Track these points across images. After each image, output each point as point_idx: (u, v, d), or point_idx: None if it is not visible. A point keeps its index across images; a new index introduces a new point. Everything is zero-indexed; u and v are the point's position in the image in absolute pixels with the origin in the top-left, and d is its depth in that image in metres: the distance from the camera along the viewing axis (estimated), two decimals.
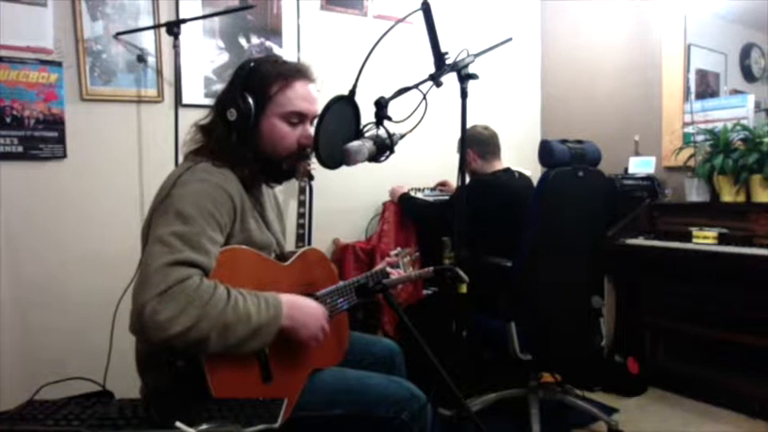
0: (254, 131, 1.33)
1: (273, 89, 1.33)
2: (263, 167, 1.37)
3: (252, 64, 1.37)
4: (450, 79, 1.50)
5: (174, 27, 2.28)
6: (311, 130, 1.38)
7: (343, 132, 1.41)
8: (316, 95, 1.39)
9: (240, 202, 1.29)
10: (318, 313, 1.29)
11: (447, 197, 2.84)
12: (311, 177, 2.61)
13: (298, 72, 1.37)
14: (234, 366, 1.18)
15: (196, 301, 1.08)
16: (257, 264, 1.29)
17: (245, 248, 1.26)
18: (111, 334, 1.76)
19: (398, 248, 1.78)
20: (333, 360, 1.46)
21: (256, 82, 1.33)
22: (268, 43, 2.69)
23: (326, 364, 1.43)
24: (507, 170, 2.61)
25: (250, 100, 1.31)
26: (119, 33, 2.29)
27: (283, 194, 2.77)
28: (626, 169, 3.10)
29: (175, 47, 2.30)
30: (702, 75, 3.06)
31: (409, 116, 1.43)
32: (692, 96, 2.97)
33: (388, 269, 1.65)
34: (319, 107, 1.39)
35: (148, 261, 1.10)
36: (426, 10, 1.45)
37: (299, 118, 1.36)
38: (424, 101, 1.43)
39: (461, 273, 1.47)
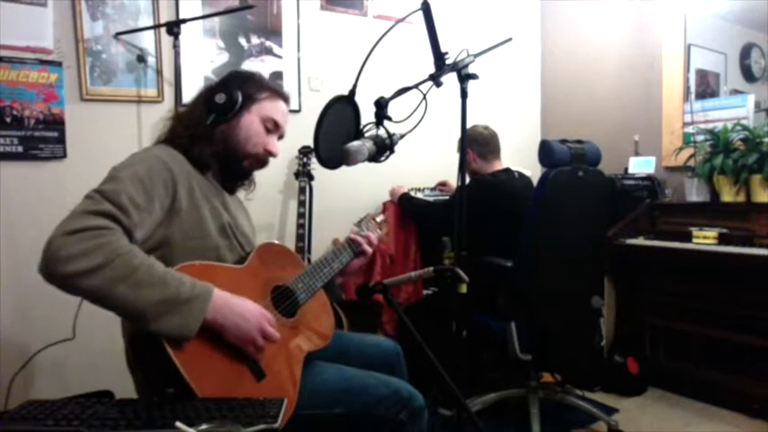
0: (233, 121, 1.40)
1: (263, 95, 1.43)
2: (223, 157, 1.40)
3: (247, 72, 1.49)
4: (451, 79, 1.50)
5: (174, 27, 2.29)
6: (277, 145, 1.46)
7: (343, 132, 1.42)
8: (288, 119, 1.49)
9: (185, 179, 1.30)
10: (255, 315, 1.19)
11: (447, 197, 2.84)
12: (311, 177, 2.61)
13: (283, 95, 1.48)
14: (223, 376, 1.15)
15: (105, 248, 1.07)
16: (213, 272, 1.24)
17: (200, 263, 1.23)
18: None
19: (363, 216, 1.73)
20: (322, 340, 1.43)
21: (249, 84, 1.43)
22: (268, 43, 2.69)
23: (317, 346, 1.41)
24: (507, 170, 2.61)
25: (240, 94, 1.39)
26: (119, 33, 2.29)
27: (283, 194, 2.77)
28: (626, 169, 3.10)
29: (175, 47, 2.30)
30: (702, 75, 3.06)
31: (409, 116, 1.44)
32: (692, 96, 2.97)
33: (352, 235, 1.60)
34: (287, 130, 1.48)
35: (70, 211, 1.12)
36: (426, 10, 1.45)
37: (274, 128, 1.45)
38: (424, 101, 1.43)
39: (461, 273, 1.47)
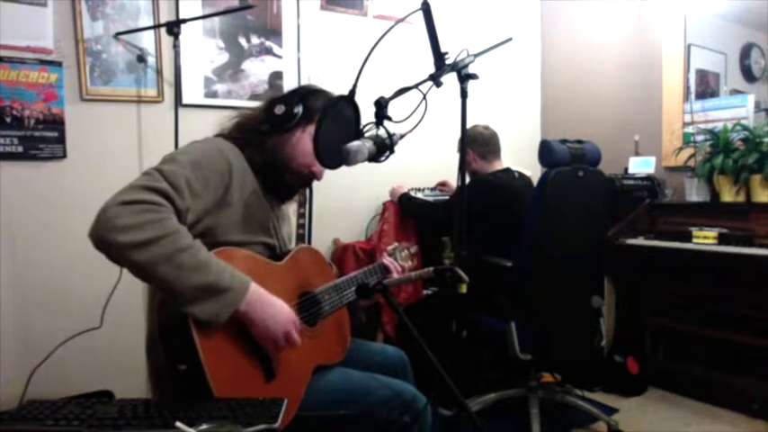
0: (286, 135, 1.41)
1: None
2: (269, 167, 1.40)
3: (318, 89, 1.50)
4: (451, 79, 1.50)
5: (174, 27, 2.28)
6: (324, 171, 1.46)
7: (343, 132, 1.42)
8: None
9: (240, 174, 1.31)
10: (285, 317, 1.21)
11: (447, 197, 2.84)
12: None
13: None
14: (236, 367, 1.17)
15: (157, 225, 1.08)
16: (252, 263, 1.28)
17: (240, 250, 1.26)
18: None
19: (395, 243, 1.78)
20: (335, 356, 1.46)
21: (313, 102, 1.44)
22: (268, 43, 2.69)
23: (329, 360, 1.43)
24: (507, 170, 2.61)
25: (301, 109, 1.41)
26: (119, 33, 2.29)
27: None
28: (626, 169, 3.10)
29: (175, 47, 2.30)
30: (702, 75, 3.06)
31: (409, 116, 1.43)
32: (692, 96, 2.97)
33: (385, 261, 1.64)
34: None
35: (128, 184, 1.14)
36: (426, 10, 1.45)
37: None
38: (424, 101, 1.43)
39: (461, 273, 1.47)
